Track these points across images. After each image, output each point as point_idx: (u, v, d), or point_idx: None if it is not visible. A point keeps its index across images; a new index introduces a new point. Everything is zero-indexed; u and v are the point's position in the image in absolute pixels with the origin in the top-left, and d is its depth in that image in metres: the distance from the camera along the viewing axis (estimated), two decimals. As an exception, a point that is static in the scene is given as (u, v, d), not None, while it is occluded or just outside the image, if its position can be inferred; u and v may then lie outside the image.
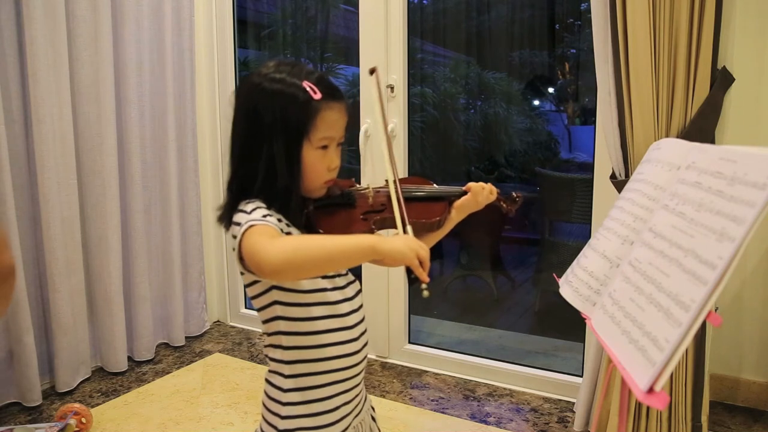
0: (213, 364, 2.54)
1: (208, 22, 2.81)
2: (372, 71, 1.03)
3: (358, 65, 2.45)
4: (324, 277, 0.95)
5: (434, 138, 3.22)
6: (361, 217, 1.01)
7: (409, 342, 2.56)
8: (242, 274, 0.93)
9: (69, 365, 2.24)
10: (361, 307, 1.01)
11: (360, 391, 1.03)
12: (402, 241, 0.83)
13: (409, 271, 0.84)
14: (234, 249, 0.87)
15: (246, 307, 3.04)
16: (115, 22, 2.32)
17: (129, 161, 2.43)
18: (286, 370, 0.95)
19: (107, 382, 2.36)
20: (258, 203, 0.89)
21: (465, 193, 1.10)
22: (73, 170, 2.22)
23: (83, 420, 1.95)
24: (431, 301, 3.23)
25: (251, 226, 0.83)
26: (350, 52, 2.74)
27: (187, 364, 2.53)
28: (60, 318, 2.19)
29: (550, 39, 3.09)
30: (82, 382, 2.32)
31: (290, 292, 0.92)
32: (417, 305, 2.63)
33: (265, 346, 0.99)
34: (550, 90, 3.31)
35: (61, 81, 2.15)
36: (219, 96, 2.85)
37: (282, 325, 0.94)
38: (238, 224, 0.85)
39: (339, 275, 0.98)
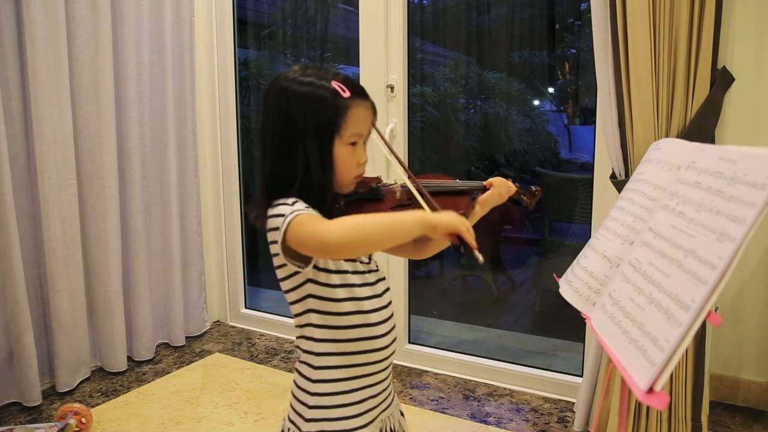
0: (213, 364, 2.54)
1: (208, 22, 2.81)
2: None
3: (358, 65, 2.45)
4: (354, 273, 0.98)
5: (434, 138, 3.21)
6: (390, 210, 1.04)
7: (409, 342, 2.56)
8: (279, 267, 0.96)
9: (69, 365, 2.24)
10: (389, 304, 1.04)
11: (387, 386, 1.06)
12: (448, 213, 0.87)
13: (456, 245, 0.87)
14: (276, 241, 0.90)
15: (246, 307, 3.04)
16: (115, 22, 2.32)
17: (129, 161, 2.43)
18: (316, 361, 0.99)
19: (107, 382, 2.36)
20: (295, 199, 0.92)
21: (487, 188, 1.12)
22: (73, 170, 2.22)
23: (83, 420, 1.95)
24: (431, 301, 3.23)
25: (298, 215, 0.87)
26: (350, 52, 2.74)
27: (187, 364, 2.53)
28: (60, 318, 2.19)
29: (550, 39, 3.09)
30: (82, 382, 2.32)
31: (324, 287, 0.96)
32: (417, 305, 2.62)
33: (297, 338, 1.02)
34: (550, 90, 3.30)
35: (61, 81, 2.15)
36: (219, 96, 2.85)
37: (314, 318, 0.97)
38: (281, 215, 0.89)
39: (370, 271, 1.02)
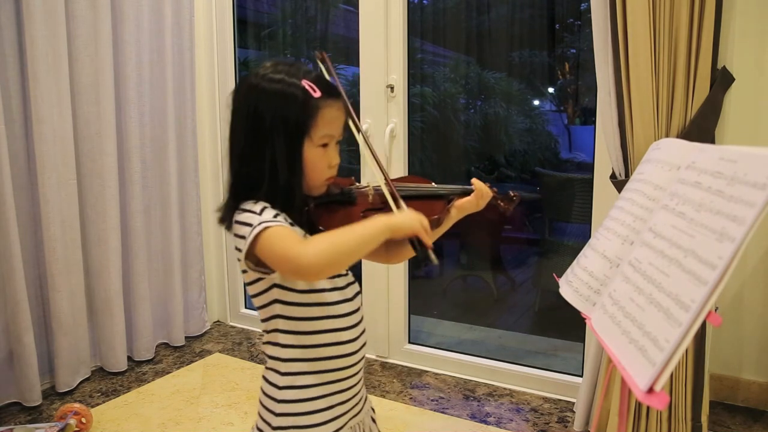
0: (213, 364, 2.54)
1: (208, 22, 2.81)
2: (320, 58, 1.09)
3: (358, 65, 2.45)
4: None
5: (434, 138, 3.21)
6: (361, 214, 1.01)
7: (409, 342, 2.56)
8: (244, 272, 0.94)
9: (69, 365, 2.24)
10: (360, 308, 1.02)
11: (358, 392, 1.03)
12: (406, 214, 0.90)
13: (413, 244, 0.89)
14: (240, 249, 0.88)
15: (246, 307, 3.04)
16: (115, 22, 2.32)
17: (129, 161, 2.43)
18: (282, 367, 0.96)
19: (107, 382, 2.36)
20: (263, 203, 0.89)
21: (466, 192, 1.10)
22: (73, 170, 2.22)
23: (83, 420, 1.95)
24: (431, 301, 3.23)
25: (266, 227, 0.84)
26: (350, 52, 2.74)
27: (187, 364, 2.53)
28: (60, 318, 2.19)
29: (550, 39, 3.09)
30: (82, 382, 2.32)
31: (290, 292, 0.93)
32: (417, 305, 2.62)
33: (263, 343, 1.00)
34: (550, 90, 3.30)
35: (61, 81, 2.15)
36: (219, 96, 2.85)
37: (280, 324, 0.95)
38: (249, 225, 0.86)
39: (340, 276, 0.99)
